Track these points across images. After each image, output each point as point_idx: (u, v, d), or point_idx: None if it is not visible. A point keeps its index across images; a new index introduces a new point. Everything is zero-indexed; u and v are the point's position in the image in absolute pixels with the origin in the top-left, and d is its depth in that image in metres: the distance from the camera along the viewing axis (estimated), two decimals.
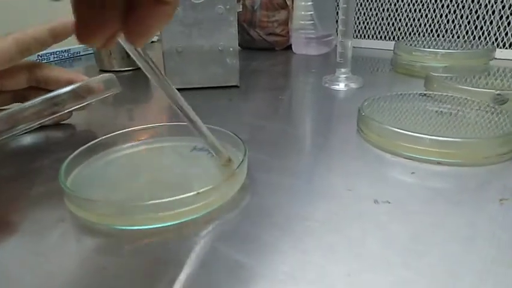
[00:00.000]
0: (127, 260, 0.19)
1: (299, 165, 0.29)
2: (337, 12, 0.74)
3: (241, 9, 0.74)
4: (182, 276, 0.18)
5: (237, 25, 0.46)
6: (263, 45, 0.74)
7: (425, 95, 0.38)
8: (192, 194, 0.21)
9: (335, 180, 0.26)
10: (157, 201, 0.21)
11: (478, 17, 0.64)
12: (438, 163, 0.28)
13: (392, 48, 0.58)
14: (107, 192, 0.25)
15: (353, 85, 0.48)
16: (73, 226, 0.22)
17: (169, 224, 0.21)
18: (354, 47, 0.49)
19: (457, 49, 0.55)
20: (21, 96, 0.35)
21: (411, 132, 0.28)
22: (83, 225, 0.22)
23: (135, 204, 0.21)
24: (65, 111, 0.29)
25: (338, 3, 0.74)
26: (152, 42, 0.87)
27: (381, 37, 0.75)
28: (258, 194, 0.24)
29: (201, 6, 0.44)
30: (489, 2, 0.62)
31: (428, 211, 0.22)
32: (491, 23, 0.63)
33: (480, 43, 0.64)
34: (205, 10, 0.44)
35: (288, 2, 0.71)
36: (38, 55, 0.65)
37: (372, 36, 0.76)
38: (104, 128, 0.38)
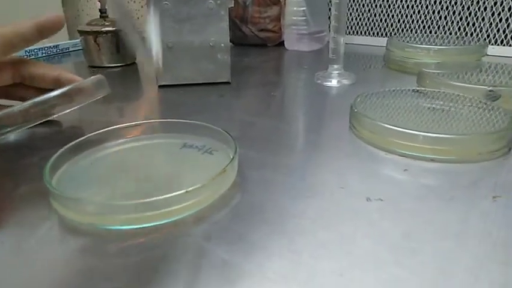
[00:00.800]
0: (114, 260, 0.19)
1: (291, 162, 0.28)
2: (329, 8, 0.73)
3: (232, 5, 0.74)
4: (170, 277, 0.17)
5: (228, 20, 0.46)
6: (255, 41, 0.74)
7: (417, 91, 0.38)
8: (181, 192, 0.21)
9: (327, 178, 0.26)
10: (145, 200, 0.20)
11: (470, 14, 0.64)
12: (432, 160, 0.28)
13: (385, 45, 0.58)
14: (93, 191, 0.24)
15: (345, 81, 0.48)
16: (59, 226, 0.21)
17: (156, 223, 0.21)
18: (346, 43, 0.49)
19: (450, 45, 0.55)
20: (5, 92, 0.34)
21: (404, 129, 0.28)
22: (68, 225, 0.21)
23: (122, 203, 0.21)
24: (55, 115, 0.29)
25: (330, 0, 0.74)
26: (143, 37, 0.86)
27: (374, 33, 0.75)
28: (248, 192, 0.24)
29: (191, 1, 0.43)
30: None
31: (420, 208, 0.22)
32: (483, 19, 0.63)
33: (472, 39, 0.64)
34: (196, 5, 0.44)
35: None
36: (26, 51, 0.64)
37: (365, 33, 0.76)
38: (93, 124, 0.37)
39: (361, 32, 0.76)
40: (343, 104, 0.39)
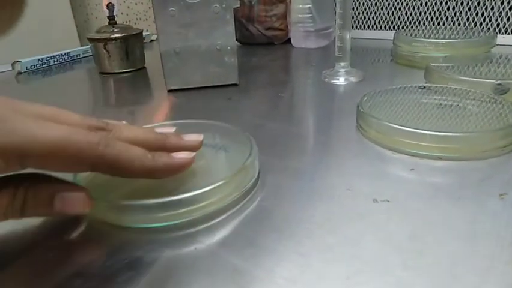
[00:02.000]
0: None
1: (299, 165, 0.29)
2: (335, 4, 0.73)
3: (238, 5, 0.74)
4: (176, 282, 0.18)
5: (233, 23, 0.46)
6: (262, 40, 0.74)
7: (424, 87, 0.38)
8: (207, 188, 0.22)
9: (334, 180, 0.26)
10: (171, 198, 0.21)
11: (478, 3, 0.63)
12: (439, 158, 0.28)
13: (392, 38, 0.57)
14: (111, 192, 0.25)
15: (352, 79, 0.48)
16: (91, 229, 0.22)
17: (169, 223, 0.22)
18: (353, 38, 0.49)
19: (458, 37, 0.55)
20: None
21: (411, 128, 0.28)
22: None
23: (134, 203, 0.21)
24: None
25: None
26: (152, 41, 0.87)
27: (381, 27, 0.74)
28: (257, 196, 0.24)
29: (196, 6, 0.44)
30: None
31: (427, 208, 0.22)
32: (492, 8, 0.62)
33: (482, 29, 0.63)
34: (201, 10, 0.44)
35: None
36: (39, 59, 0.65)
37: (372, 27, 0.75)
38: None
39: (368, 26, 0.76)
40: (350, 102, 0.39)
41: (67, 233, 0.22)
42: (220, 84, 0.49)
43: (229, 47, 0.47)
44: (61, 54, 0.69)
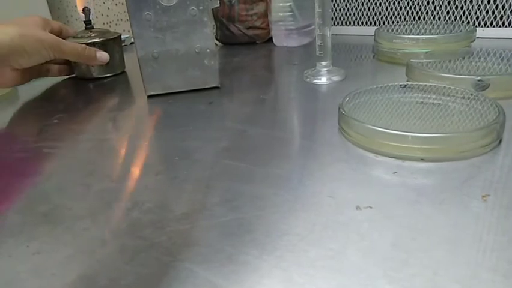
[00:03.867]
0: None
1: (281, 172, 0.28)
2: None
3: (218, 5, 0.73)
4: None
5: (211, 25, 0.45)
6: (244, 39, 0.73)
7: (405, 86, 0.37)
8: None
9: (316, 187, 0.25)
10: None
11: None
12: (422, 159, 0.27)
13: (373, 34, 0.57)
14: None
15: (334, 78, 0.47)
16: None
17: None
18: (334, 34, 0.49)
19: (438, 33, 0.55)
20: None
21: (393, 130, 0.28)
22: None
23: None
24: None
25: None
26: (132, 43, 0.85)
27: (362, 23, 0.74)
28: (237, 208, 0.24)
29: (172, 9, 0.43)
30: None
31: (410, 214, 0.22)
32: (471, 1, 0.63)
33: (462, 23, 0.63)
34: (178, 13, 0.43)
35: None
36: None
37: (353, 23, 0.75)
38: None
39: (348, 23, 0.75)
40: (333, 103, 0.39)
41: None
42: (201, 87, 0.48)
43: (208, 50, 0.46)
44: None
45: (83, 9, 0.57)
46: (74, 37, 0.57)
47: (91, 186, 0.28)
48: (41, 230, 0.24)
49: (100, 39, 0.57)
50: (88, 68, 0.58)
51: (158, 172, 0.30)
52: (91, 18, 0.58)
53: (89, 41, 0.56)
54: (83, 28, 0.59)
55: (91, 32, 0.58)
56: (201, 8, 0.43)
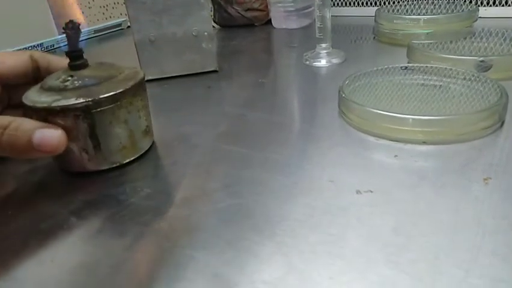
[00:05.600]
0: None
1: (280, 157, 0.28)
2: None
3: None
4: None
5: (209, 7, 0.44)
6: (242, 21, 0.72)
7: (406, 68, 0.37)
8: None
9: (316, 172, 0.25)
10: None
11: None
12: (423, 142, 0.27)
13: (373, 15, 0.56)
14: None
15: (334, 60, 0.47)
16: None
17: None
18: (334, 16, 0.48)
19: (440, 13, 0.54)
20: None
21: (394, 113, 0.28)
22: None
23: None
24: None
25: None
26: (128, 27, 0.84)
27: (362, 3, 0.73)
28: (236, 193, 0.24)
29: None
30: None
31: (411, 198, 0.22)
32: None
33: (464, 2, 0.62)
34: None
35: None
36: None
37: (353, 3, 0.74)
38: None
39: (348, 3, 0.74)
40: (333, 86, 0.38)
41: None
42: (199, 71, 0.47)
43: (206, 33, 0.45)
44: (34, 45, 0.66)
45: (67, 24, 0.26)
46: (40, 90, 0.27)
47: None
48: None
49: (86, 101, 0.25)
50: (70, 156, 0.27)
51: (157, 157, 0.30)
52: (80, 47, 0.27)
53: (55, 105, 0.25)
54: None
55: (73, 76, 0.27)
56: None
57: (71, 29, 0.26)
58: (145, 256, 0.20)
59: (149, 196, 0.25)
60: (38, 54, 0.30)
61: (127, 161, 0.28)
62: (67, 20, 0.26)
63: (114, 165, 0.28)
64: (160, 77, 0.46)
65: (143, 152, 0.29)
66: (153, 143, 0.31)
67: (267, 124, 0.33)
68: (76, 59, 0.27)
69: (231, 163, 0.27)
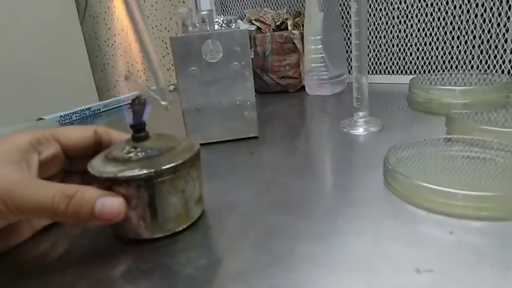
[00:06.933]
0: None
1: (329, 228, 0.28)
2: (347, 51, 0.75)
3: (253, 56, 0.76)
4: None
5: (252, 79, 0.47)
6: (277, 88, 0.75)
7: (449, 139, 0.37)
8: None
9: (369, 246, 0.25)
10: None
11: (490, 46, 0.64)
12: (477, 218, 0.27)
13: (406, 82, 0.58)
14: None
15: (372, 129, 0.48)
16: None
17: None
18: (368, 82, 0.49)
19: (475, 83, 0.55)
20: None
21: (443, 187, 0.28)
22: None
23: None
24: None
25: (347, 42, 0.76)
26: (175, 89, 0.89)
27: (392, 71, 0.76)
28: (291, 267, 0.24)
29: (216, 65, 0.45)
30: (500, 31, 0.62)
31: (475, 280, 0.21)
32: (504, 51, 0.63)
33: (496, 72, 0.63)
34: (221, 68, 0.45)
35: (298, 46, 0.72)
36: (61, 116, 0.67)
37: (384, 72, 0.76)
38: None
39: (380, 71, 0.77)
40: (373, 154, 0.39)
41: None
42: (241, 137, 0.49)
43: (248, 102, 0.48)
44: (82, 110, 0.71)
45: (134, 101, 0.28)
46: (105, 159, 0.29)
47: None
48: None
49: (149, 172, 0.27)
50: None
51: (208, 226, 0.30)
52: (144, 120, 0.29)
53: (121, 175, 0.26)
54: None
55: (136, 148, 0.28)
56: (243, 63, 0.46)
57: (138, 104, 0.29)
58: None
59: (205, 267, 0.25)
60: (101, 130, 0.32)
61: (180, 229, 0.29)
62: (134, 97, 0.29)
63: (168, 233, 0.29)
64: (204, 142, 0.48)
65: (194, 220, 0.30)
66: (203, 211, 0.32)
67: (310, 193, 0.34)
68: (140, 131, 0.29)
69: (280, 234, 0.28)
